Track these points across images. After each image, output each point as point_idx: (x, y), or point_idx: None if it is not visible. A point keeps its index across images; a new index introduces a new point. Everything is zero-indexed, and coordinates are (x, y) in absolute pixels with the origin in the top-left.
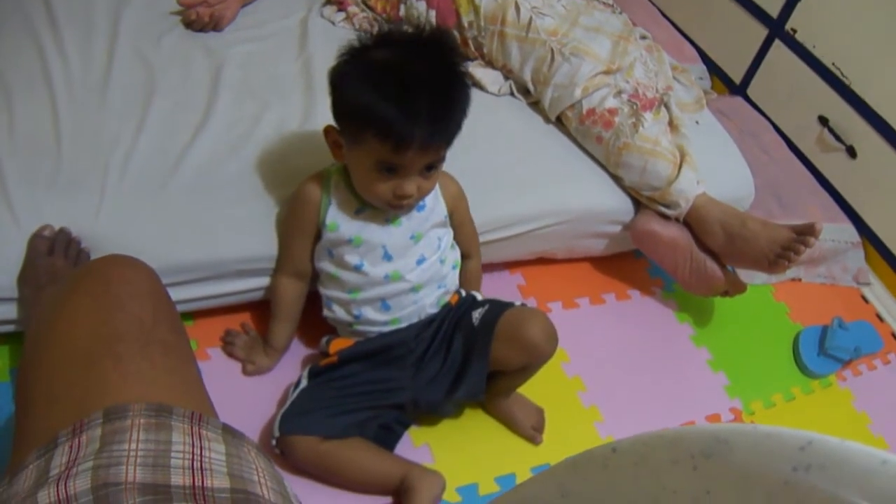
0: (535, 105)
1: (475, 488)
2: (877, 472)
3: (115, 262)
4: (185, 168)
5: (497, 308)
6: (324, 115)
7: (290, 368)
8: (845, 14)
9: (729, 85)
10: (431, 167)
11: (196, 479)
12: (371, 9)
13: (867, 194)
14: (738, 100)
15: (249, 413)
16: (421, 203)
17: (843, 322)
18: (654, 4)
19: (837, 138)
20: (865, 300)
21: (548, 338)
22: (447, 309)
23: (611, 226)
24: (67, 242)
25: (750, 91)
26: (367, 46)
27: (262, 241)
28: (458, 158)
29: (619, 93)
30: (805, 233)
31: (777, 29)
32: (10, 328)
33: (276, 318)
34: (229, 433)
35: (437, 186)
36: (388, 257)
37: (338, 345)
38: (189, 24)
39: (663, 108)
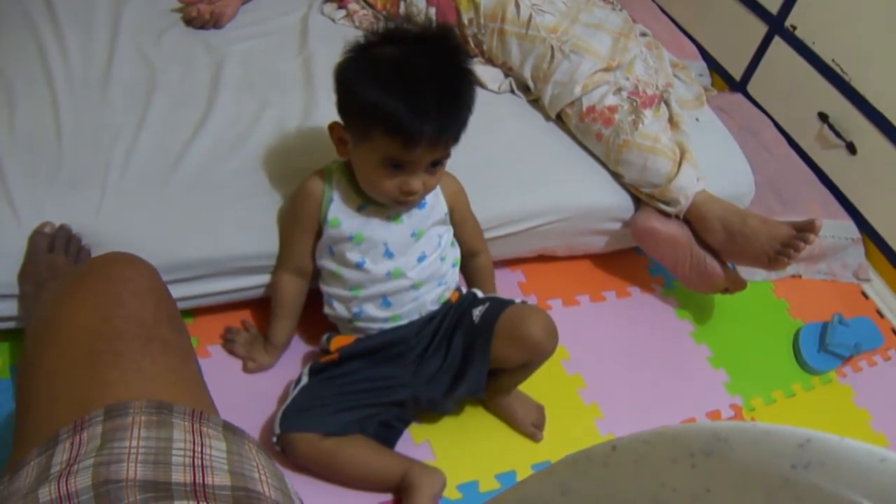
0: (535, 102)
1: (475, 485)
2: (876, 469)
3: (116, 259)
4: (186, 165)
5: (497, 305)
6: (324, 113)
7: (291, 366)
8: (845, 10)
9: (729, 82)
10: (437, 163)
11: (197, 477)
12: (371, 6)
13: (867, 190)
14: (738, 96)
15: (250, 410)
16: (422, 201)
17: (844, 318)
18: (653, 1)
19: (837, 135)
20: (865, 296)
21: (548, 335)
22: (448, 306)
23: (611, 223)
24: (68, 239)
25: (750, 88)
26: (373, 43)
27: (262, 239)
28: (458, 156)
29: (619, 90)
30: (805, 229)
31: (777, 25)
32: (11, 325)
33: (276, 316)
34: (230, 430)
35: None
36: (389, 254)
37: (338, 342)
38: (189, 22)
39: (663, 106)
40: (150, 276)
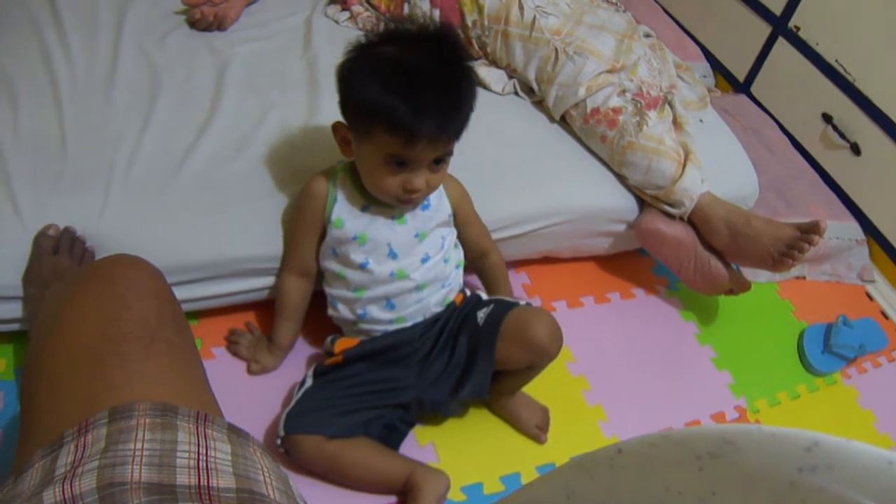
0: (540, 104)
1: (480, 487)
2: (884, 472)
3: (120, 261)
4: (190, 167)
5: (502, 307)
6: (328, 114)
7: (295, 368)
8: (848, 11)
9: (732, 83)
10: (440, 161)
11: (201, 479)
12: (375, 8)
13: (871, 191)
14: (742, 98)
15: (254, 412)
16: (425, 202)
17: (848, 320)
18: (657, 2)
19: (841, 135)
20: (870, 297)
21: (553, 337)
22: (452, 308)
23: (615, 225)
24: (72, 242)
25: (753, 89)
26: (374, 42)
27: (266, 241)
28: (463, 158)
29: (624, 91)
30: (809, 231)
31: (780, 26)
32: (15, 327)
33: (280, 317)
34: (234, 433)
35: (441, 186)
36: (393, 255)
37: (343, 344)
38: (193, 24)
39: (667, 107)
40: (155, 277)
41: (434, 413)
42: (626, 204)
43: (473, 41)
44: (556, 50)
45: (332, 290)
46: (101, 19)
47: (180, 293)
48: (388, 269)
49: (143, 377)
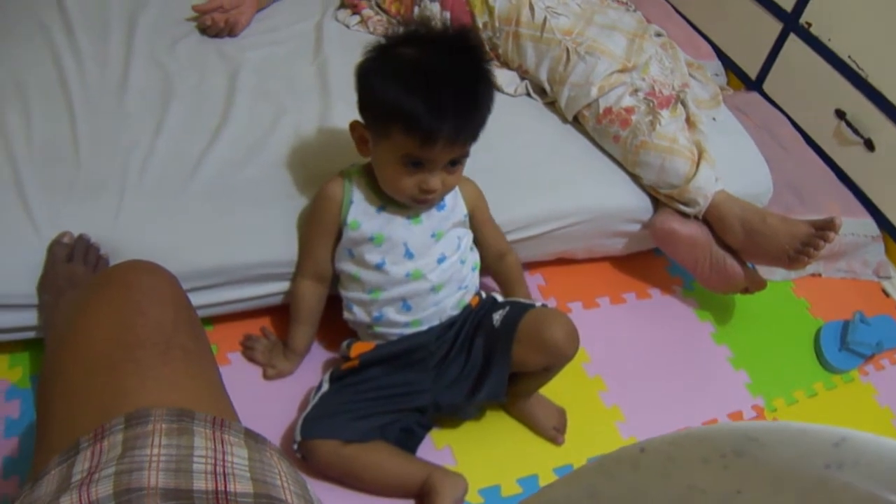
0: (552, 105)
1: (497, 490)
2: None
3: (135, 267)
4: (203, 173)
5: (518, 309)
6: (340, 119)
7: (311, 372)
8: (860, 5)
9: (745, 80)
10: (456, 162)
11: (219, 484)
12: (385, 11)
13: (886, 187)
14: (755, 95)
15: (270, 417)
16: (441, 202)
17: (865, 316)
18: (667, 1)
19: (855, 131)
20: (886, 294)
21: (569, 338)
22: (468, 311)
23: (630, 225)
24: (86, 249)
25: (766, 86)
26: (394, 43)
27: (281, 245)
28: (476, 160)
29: (636, 91)
30: (825, 228)
31: (792, 23)
32: (31, 335)
33: (296, 322)
34: (251, 437)
35: (457, 188)
36: (409, 255)
37: (359, 348)
38: (204, 30)
39: (680, 106)
40: (170, 283)
41: (451, 416)
42: (640, 204)
43: (484, 43)
44: (568, 50)
45: (347, 293)
46: (113, 26)
47: (195, 299)
48: (404, 269)
49: (160, 383)
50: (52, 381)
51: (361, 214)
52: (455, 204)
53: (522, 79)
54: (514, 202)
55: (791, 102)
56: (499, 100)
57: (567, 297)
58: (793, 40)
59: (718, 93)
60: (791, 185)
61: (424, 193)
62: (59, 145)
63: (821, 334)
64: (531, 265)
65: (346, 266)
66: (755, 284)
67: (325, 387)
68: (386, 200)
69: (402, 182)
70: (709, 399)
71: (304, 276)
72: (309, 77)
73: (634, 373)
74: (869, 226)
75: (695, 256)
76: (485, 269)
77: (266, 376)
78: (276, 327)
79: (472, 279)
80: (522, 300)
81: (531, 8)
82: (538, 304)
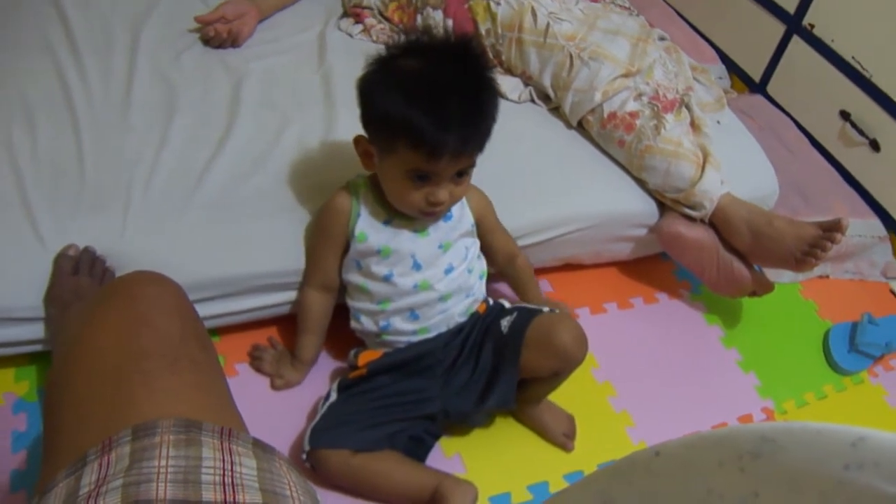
0: (556, 111)
1: (508, 497)
2: None
3: (141, 279)
4: (208, 184)
5: (526, 315)
6: (345, 129)
7: (319, 382)
8: (863, 6)
9: (748, 83)
10: (463, 173)
11: (227, 495)
12: (388, 20)
13: (892, 188)
14: (759, 98)
15: (279, 427)
16: (448, 213)
17: (873, 317)
18: (670, 5)
19: (860, 132)
20: (894, 294)
21: (578, 342)
22: (476, 317)
23: (636, 229)
24: (92, 261)
25: (770, 88)
26: (396, 55)
27: (287, 256)
28: (481, 167)
29: (640, 95)
30: (831, 229)
31: (794, 25)
32: (38, 348)
33: (303, 332)
34: (260, 448)
35: (463, 197)
36: (417, 266)
37: (366, 357)
38: (207, 41)
39: (684, 109)
40: (176, 294)
41: (460, 423)
42: (646, 208)
43: (488, 50)
44: (571, 56)
45: (354, 303)
46: (116, 40)
47: (202, 310)
48: (411, 280)
49: (167, 394)
50: (58, 393)
51: (368, 227)
52: (462, 214)
53: (526, 85)
54: (520, 208)
55: (795, 104)
56: (503, 107)
57: (574, 303)
58: (796, 42)
59: (722, 96)
60: (797, 187)
61: (432, 206)
62: (64, 159)
63: (829, 336)
64: (538, 271)
65: (354, 277)
66: (763, 287)
67: (334, 396)
68: (392, 213)
69: (410, 196)
70: (719, 402)
71: (312, 286)
72: (313, 86)
73: (644, 377)
74: (876, 226)
75: (702, 260)
76: (497, 275)
77: (274, 386)
78: (283, 337)
79: (480, 287)
80: (530, 306)
81: (534, 14)
82: (546, 309)
